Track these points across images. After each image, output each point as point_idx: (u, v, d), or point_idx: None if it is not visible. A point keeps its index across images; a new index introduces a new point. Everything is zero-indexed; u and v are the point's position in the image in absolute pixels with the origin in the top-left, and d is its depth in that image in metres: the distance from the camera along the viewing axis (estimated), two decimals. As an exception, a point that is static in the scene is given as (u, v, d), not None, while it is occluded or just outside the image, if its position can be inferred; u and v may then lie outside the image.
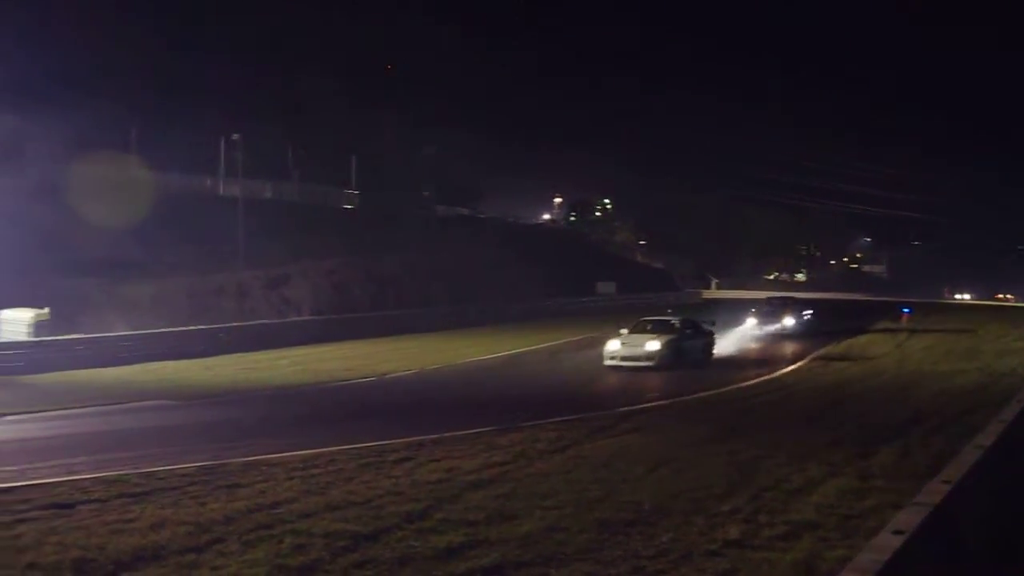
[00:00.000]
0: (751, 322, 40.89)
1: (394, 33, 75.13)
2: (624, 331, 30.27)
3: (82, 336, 32.27)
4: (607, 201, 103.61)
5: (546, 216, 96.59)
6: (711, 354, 31.56)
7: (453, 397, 24.09)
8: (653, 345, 28.92)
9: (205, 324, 37.43)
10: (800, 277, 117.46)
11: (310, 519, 10.03)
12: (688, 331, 30.77)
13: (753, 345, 36.90)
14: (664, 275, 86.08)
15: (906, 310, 49.01)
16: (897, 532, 6.31)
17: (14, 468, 13.07)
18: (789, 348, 35.48)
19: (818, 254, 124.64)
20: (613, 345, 29.62)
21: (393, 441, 15.32)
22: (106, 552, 8.67)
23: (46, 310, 32.09)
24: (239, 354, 33.14)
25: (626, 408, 20.60)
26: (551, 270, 62.28)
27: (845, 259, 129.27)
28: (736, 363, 31.20)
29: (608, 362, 29.18)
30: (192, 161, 52.76)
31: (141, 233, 41.10)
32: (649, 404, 21.56)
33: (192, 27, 60.59)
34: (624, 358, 28.96)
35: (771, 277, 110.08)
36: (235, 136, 50.67)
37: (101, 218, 37.81)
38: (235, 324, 38.64)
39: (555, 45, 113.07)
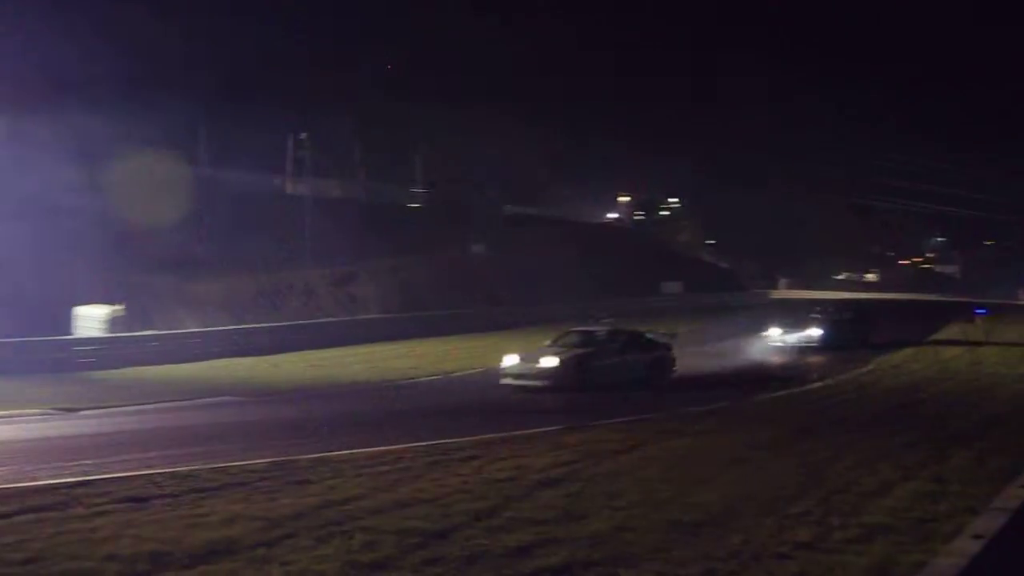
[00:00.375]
0: (775, 332, 35.80)
1: (465, 31, 75.33)
2: (547, 343, 26.24)
3: (155, 332, 32.90)
4: (674, 200, 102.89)
5: (612, 215, 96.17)
6: (666, 372, 26.16)
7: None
8: (549, 362, 23.93)
9: (274, 322, 37.92)
10: (871, 277, 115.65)
11: (380, 516, 10.06)
12: (615, 345, 25.47)
13: (757, 360, 31.85)
14: (731, 275, 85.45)
15: (980, 311, 47.93)
16: (976, 537, 6.21)
17: (90, 462, 13.32)
18: (800, 365, 30.83)
19: (891, 254, 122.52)
20: (510, 360, 24.81)
21: (460, 439, 15.37)
22: (181, 545, 8.78)
23: (121, 306, 32.72)
24: (307, 351, 33.50)
25: (695, 409, 20.45)
26: (617, 269, 62.08)
27: (917, 259, 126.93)
28: (704, 384, 26.30)
29: (504, 380, 24.54)
30: (260, 159, 53.41)
31: (211, 231, 41.80)
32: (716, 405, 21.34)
33: (259, 25, 61.30)
34: (518, 376, 24.25)
35: (841, 277, 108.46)
36: (303, 135, 51.41)
37: (172, 216, 38.46)
38: (302, 322, 39.10)
39: (625, 43, 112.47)
